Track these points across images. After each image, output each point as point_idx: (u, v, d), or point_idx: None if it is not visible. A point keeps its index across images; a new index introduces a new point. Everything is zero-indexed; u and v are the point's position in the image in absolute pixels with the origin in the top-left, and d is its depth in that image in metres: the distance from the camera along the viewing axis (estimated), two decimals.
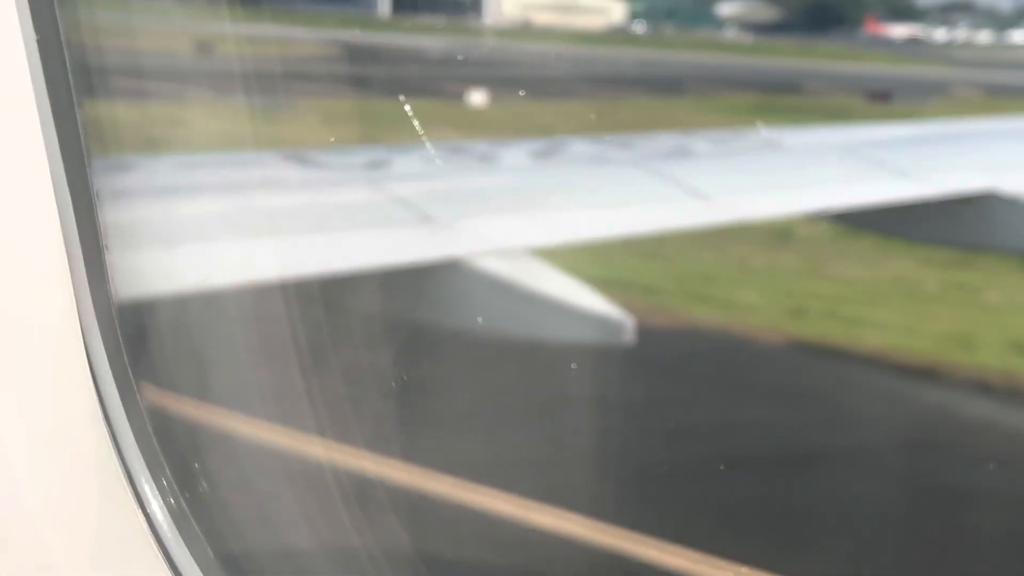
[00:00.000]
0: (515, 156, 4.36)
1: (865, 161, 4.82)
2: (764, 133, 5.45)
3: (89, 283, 1.22)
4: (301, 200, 3.42)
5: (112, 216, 1.33)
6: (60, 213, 1.20)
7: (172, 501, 1.28)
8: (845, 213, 5.18)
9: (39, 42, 1.14)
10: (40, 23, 1.14)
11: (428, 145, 4.00)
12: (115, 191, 1.50)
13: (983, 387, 6.13)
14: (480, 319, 3.36)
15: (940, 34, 7.63)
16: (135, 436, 1.27)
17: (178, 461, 1.34)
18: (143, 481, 1.27)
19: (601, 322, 3.37)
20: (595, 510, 3.55)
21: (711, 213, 4.27)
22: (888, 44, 8.06)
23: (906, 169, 4.70)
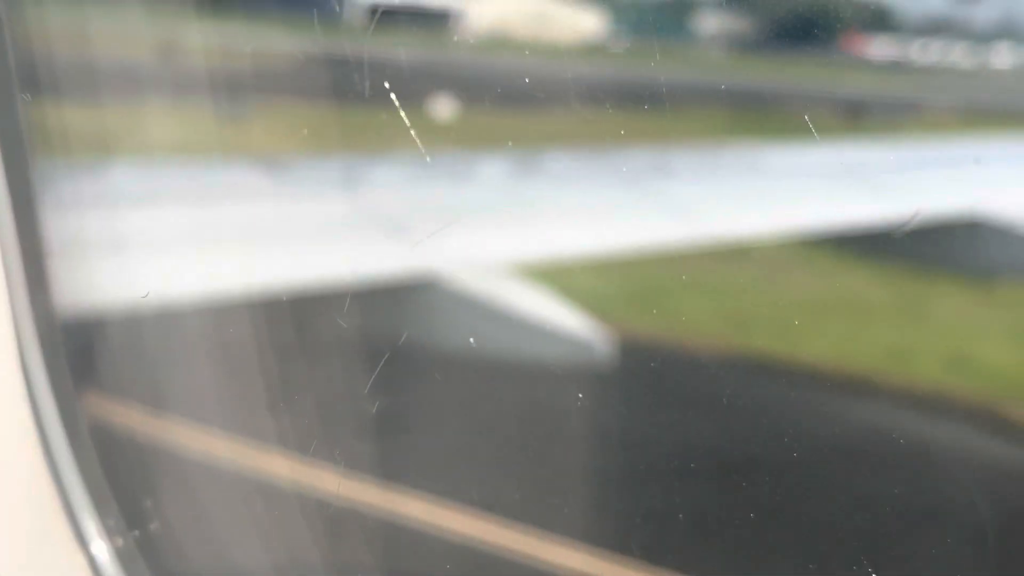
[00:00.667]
0: (492, 169, 4.28)
1: (849, 181, 4.76)
2: (746, 151, 5.39)
3: (28, 293, 1.11)
4: (269, 210, 3.33)
5: (61, 223, 1.22)
6: None
7: (120, 541, 1.15)
8: (829, 234, 5.12)
9: None
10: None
11: (405, 157, 3.91)
12: (65, 197, 1.39)
13: (910, 400, 6.43)
14: (453, 335, 3.27)
15: (922, 51, 7.60)
16: (77, 465, 1.14)
17: (127, 494, 1.22)
18: (86, 517, 1.14)
19: (576, 341, 3.27)
20: (530, 519, 3.49)
21: (689, 230, 4.19)
22: (869, 60, 8.04)
23: (890, 190, 4.65)
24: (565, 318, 3.34)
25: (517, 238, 3.54)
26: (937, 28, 7.94)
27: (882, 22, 8.34)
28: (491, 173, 4.29)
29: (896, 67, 7.93)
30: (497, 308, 3.22)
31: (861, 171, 4.84)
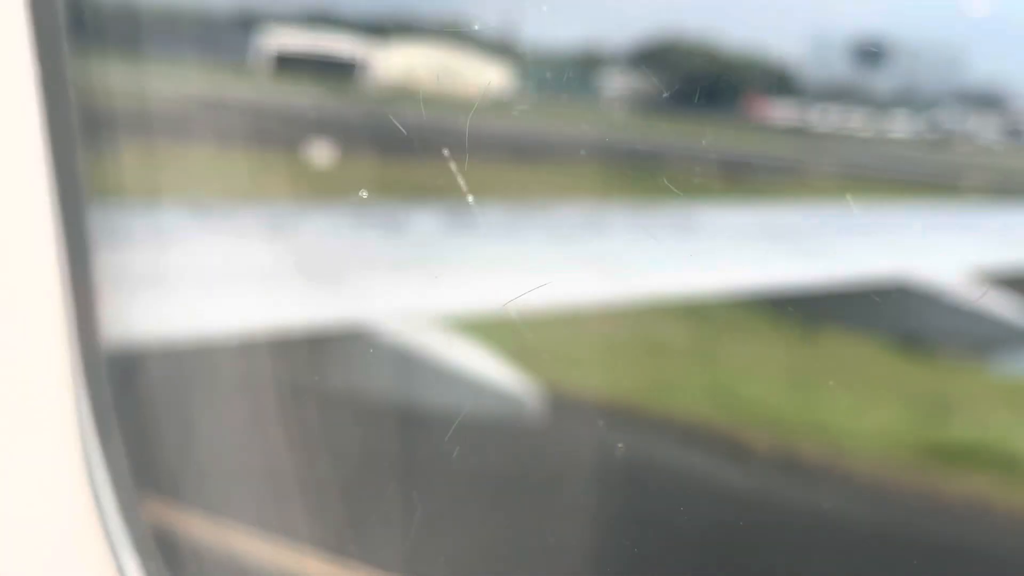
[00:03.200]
0: (413, 221, 4.30)
1: (769, 243, 4.85)
2: (674, 210, 5.46)
3: (76, 328, 1.19)
4: (196, 255, 3.32)
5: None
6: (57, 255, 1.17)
7: None
8: (754, 294, 5.20)
9: (45, 86, 1.17)
10: (48, 68, 1.18)
11: (342, 206, 3.92)
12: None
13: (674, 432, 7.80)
14: (381, 387, 3.27)
15: (822, 116, 7.76)
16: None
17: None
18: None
19: (504, 395, 3.26)
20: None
21: (609, 287, 4.24)
22: (770, 123, 8.19)
23: (811, 252, 4.75)
24: (493, 371, 3.34)
25: (445, 290, 3.55)
26: (838, 94, 8.10)
27: (784, 86, 8.46)
28: (412, 224, 4.29)
29: (797, 131, 8.11)
30: (425, 360, 3.21)
31: (780, 233, 4.93)
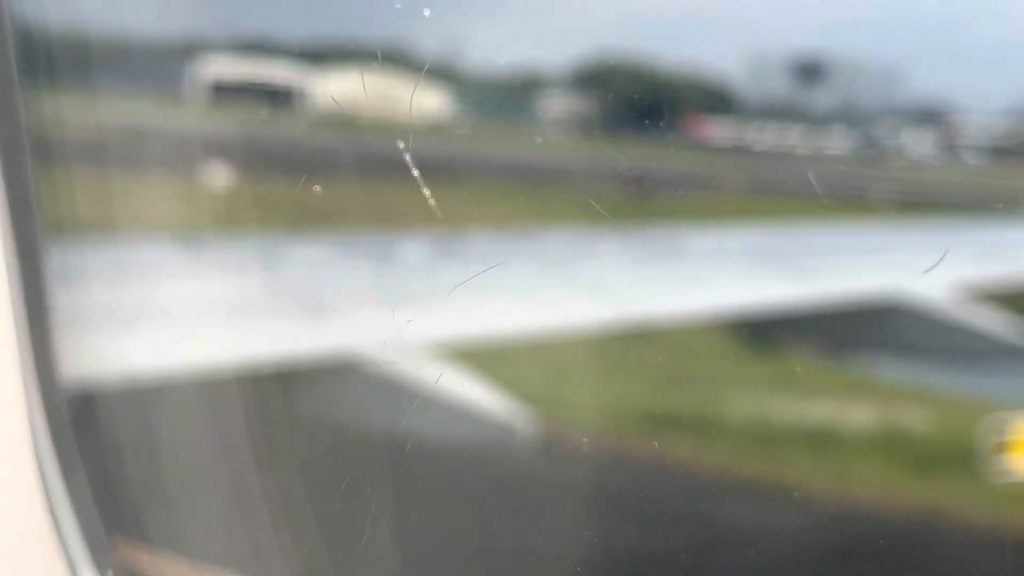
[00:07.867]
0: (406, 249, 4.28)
1: (751, 263, 4.88)
2: (662, 233, 5.48)
3: (35, 366, 1.16)
4: (188, 288, 3.29)
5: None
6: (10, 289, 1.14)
7: None
8: (743, 315, 5.17)
9: None
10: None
11: (323, 236, 3.89)
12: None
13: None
14: (374, 418, 3.24)
15: (761, 134, 7.86)
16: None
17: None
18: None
19: (498, 424, 3.25)
20: None
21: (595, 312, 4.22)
22: (710, 142, 8.31)
23: (791, 272, 4.78)
24: (486, 400, 3.32)
25: (434, 319, 3.52)
26: (777, 112, 8.19)
27: (722, 105, 8.58)
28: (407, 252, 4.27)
29: (737, 149, 8.20)
30: (418, 390, 3.18)
31: (762, 253, 4.93)
